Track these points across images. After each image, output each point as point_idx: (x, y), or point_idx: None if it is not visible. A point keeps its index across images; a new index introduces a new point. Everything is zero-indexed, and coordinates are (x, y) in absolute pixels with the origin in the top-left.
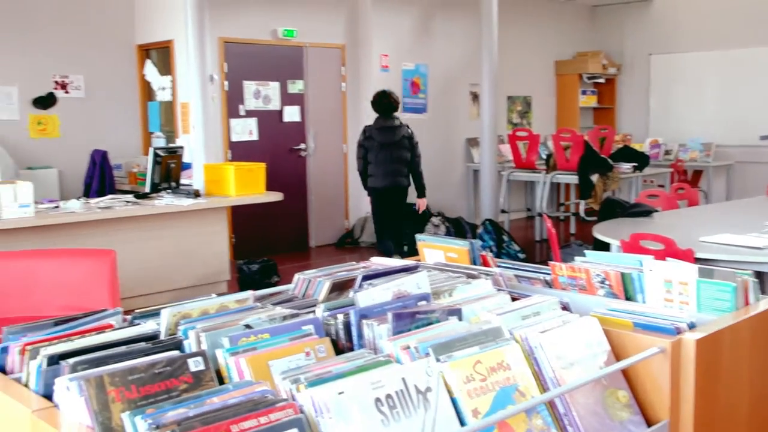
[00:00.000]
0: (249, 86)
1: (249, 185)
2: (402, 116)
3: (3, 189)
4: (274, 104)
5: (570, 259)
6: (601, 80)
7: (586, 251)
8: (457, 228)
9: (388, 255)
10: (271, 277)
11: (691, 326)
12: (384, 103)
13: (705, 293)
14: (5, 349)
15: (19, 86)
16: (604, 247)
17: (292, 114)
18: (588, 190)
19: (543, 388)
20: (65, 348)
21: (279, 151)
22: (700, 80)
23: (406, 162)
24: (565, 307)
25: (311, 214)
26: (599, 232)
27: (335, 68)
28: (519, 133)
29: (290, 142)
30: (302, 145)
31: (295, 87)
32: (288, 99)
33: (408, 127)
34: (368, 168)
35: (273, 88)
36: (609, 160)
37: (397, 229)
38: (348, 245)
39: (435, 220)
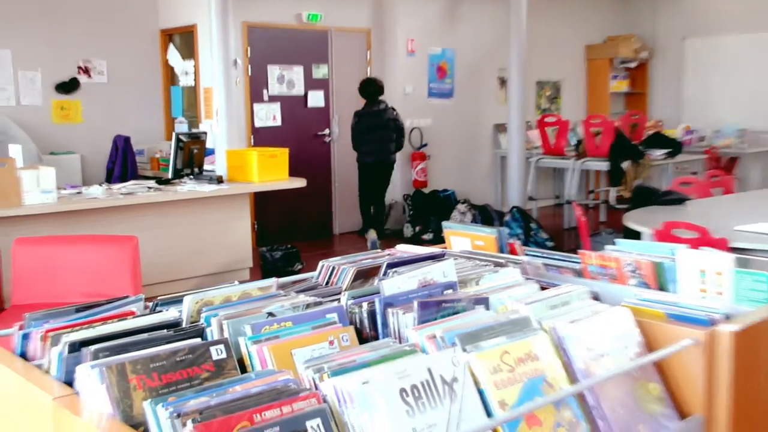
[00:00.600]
0: (273, 71)
1: (272, 171)
2: (428, 102)
3: (26, 174)
4: (298, 89)
5: (600, 248)
6: (633, 65)
7: (616, 240)
8: (484, 215)
9: (369, 223)
10: (294, 264)
11: (727, 317)
12: (370, 90)
13: (741, 283)
14: (27, 336)
15: (42, 71)
16: (635, 235)
17: (316, 99)
18: (619, 177)
19: (572, 379)
20: (87, 335)
21: (303, 136)
22: (735, 64)
23: (392, 140)
24: (596, 297)
25: (335, 201)
26: (630, 220)
27: (360, 52)
28: (548, 119)
29: (314, 128)
30: (326, 131)
31: (320, 71)
32: (312, 84)
33: (393, 109)
34: (361, 147)
35: (297, 73)
36: (640, 147)
37: (380, 201)
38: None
39: (461, 207)
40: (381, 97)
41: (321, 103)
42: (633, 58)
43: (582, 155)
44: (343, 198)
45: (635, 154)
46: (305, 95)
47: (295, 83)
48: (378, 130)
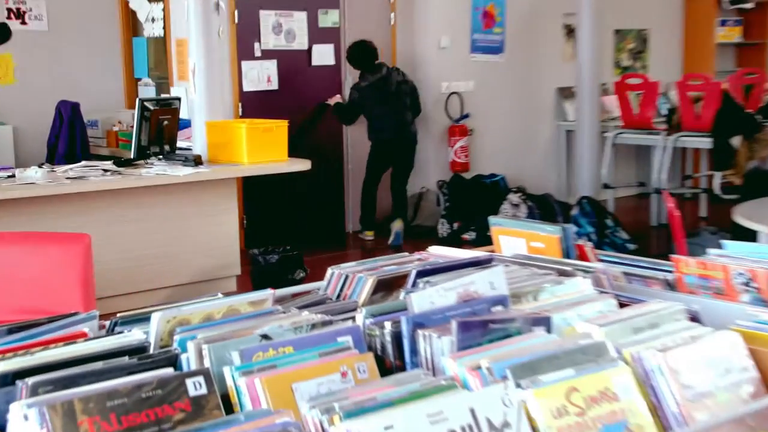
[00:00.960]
0: (267, 18)
1: (266, 150)
2: (470, 59)
3: None
4: (300, 42)
5: (700, 252)
6: (749, 5)
7: (722, 241)
8: (544, 208)
9: (371, 218)
10: (295, 271)
11: None
12: (364, 56)
13: None
14: None
15: None
16: (749, 235)
17: (323, 55)
18: (727, 157)
19: (663, 427)
20: (23, 363)
21: (307, 104)
22: None
23: (407, 107)
24: (694, 318)
25: (348, 190)
26: (742, 216)
27: None
28: (630, 81)
29: (321, 93)
30: (337, 98)
31: (328, 19)
32: (318, 35)
33: (398, 70)
34: (372, 123)
35: (299, 21)
36: (757, 117)
37: (403, 185)
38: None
39: (514, 197)
40: (377, 61)
41: (330, 60)
42: None
43: (676, 129)
44: (359, 185)
45: (749, 127)
46: (309, 50)
47: (296, 34)
48: (390, 101)
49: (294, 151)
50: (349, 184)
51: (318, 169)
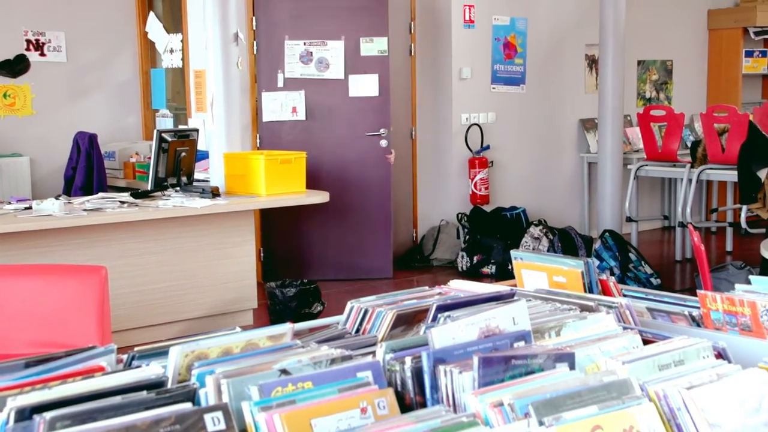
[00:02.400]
0: (294, 47)
1: (284, 182)
2: (491, 90)
3: None
4: (335, 71)
5: (727, 287)
6: None
7: (750, 277)
8: (566, 242)
9: None
10: (313, 305)
11: None
12: None
13: None
14: None
15: None
16: None
17: (364, 85)
18: (753, 190)
19: None
20: (40, 398)
21: (343, 135)
22: None
23: None
24: (721, 354)
25: (391, 223)
26: None
27: (402, 24)
28: (654, 112)
29: (361, 126)
30: (382, 131)
31: (374, 47)
32: (359, 64)
33: None
34: None
35: (333, 49)
36: None
37: None
38: (417, 264)
39: (535, 230)
40: None
41: (374, 92)
42: None
43: (701, 161)
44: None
45: None
46: (346, 79)
47: (330, 63)
48: None
49: None
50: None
51: (358, 202)
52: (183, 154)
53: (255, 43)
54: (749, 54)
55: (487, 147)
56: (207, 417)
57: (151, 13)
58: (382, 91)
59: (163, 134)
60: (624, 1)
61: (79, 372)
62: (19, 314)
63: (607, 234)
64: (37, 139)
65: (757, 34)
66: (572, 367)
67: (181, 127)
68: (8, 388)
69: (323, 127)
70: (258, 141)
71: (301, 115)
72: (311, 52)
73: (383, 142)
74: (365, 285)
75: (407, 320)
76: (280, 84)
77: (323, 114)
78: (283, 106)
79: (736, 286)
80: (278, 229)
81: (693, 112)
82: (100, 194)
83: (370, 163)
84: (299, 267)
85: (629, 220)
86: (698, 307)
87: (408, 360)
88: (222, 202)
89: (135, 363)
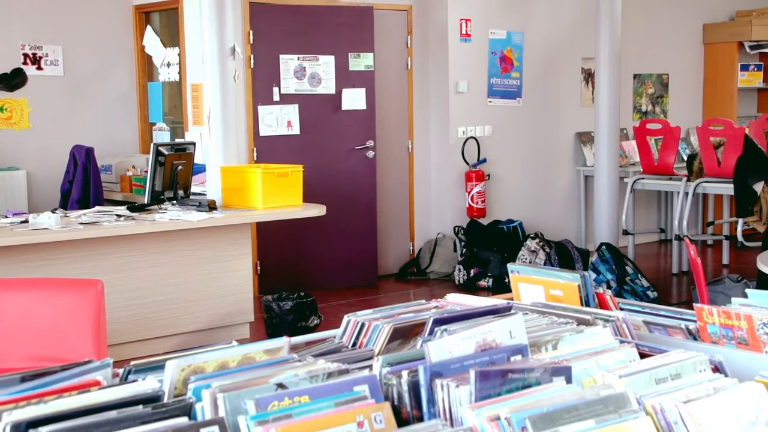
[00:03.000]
0: (288, 62)
1: (281, 195)
2: (487, 103)
3: None
4: (327, 86)
5: (723, 301)
6: None
7: (747, 290)
8: (562, 255)
9: None
10: (310, 318)
11: None
12: None
13: None
14: None
15: None
16: None
17: (354, 99)
18: (749, 203)
19: None
20: (36, 412)
21: (333, 150)
22: None
23: None
24: (718, 368)
25: (377, 235)
26: (766, 263)
27: (398, 38)
28: (650, 126)
29: (350, 139)
30: (369, 143)
31: (361, 62)
32: (349, 78)
33: None
34: None
35: (325, 64)
36: None
37: None
38: (413, 277)
39: (532, 243)
40: None
41: (361, 105)
42: None
43: (697, 175)
44: (388, 230)
45: None
46: (337, 94)
47: (322, 78)
48: None
49: None
50: (380, 230)
51: (344, 214)
52: (180, 167)
53: (252, 57)
54: (744, 68)
55: (484, 160)
56: (203, 431)
57: (148, 27)
58: (368, 104)
59: (159, 148)
60: (620, 15)
61: (75, 386)
62: (15, 328)
63: (603, 247)
64: (34, 152)
65: (752, 48)
66: (569, 380)
67: (178, 140)
68: (4, 402)
69: (316, 141)
70: (255, 154)
71: (295, 129)
72: (304, 67)
73: (370, 153)
74: (363, 298)
75: (404, 334)
76: (276, 98)
77: (316, 128)
78: (278, 120)
79: (733, 299)
80: (275, 242)
81: (689, 125)
82: (97, 208)
83: (359, 174)
84: (296, 280)
85: (626, 233)
86: (695, 321)
87: (405, 374)
88: (219, 216)
89: (131, 377)
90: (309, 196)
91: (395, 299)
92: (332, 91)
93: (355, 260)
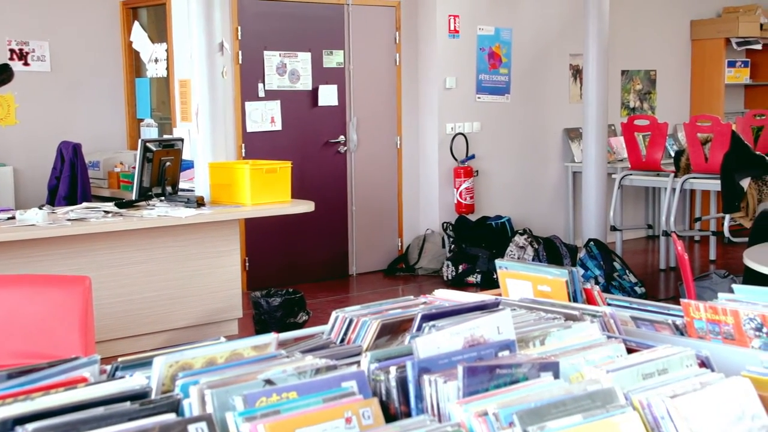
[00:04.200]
0: (271, 58)
1: (269, 191)
2: (476, 100)
3: None
4: (305, 82)
5: (710, 296)
6: (758, 47)
7: (733, 285)
8: (551, 251)
9: None
10: (298, 314)
11: None
12: None
13: None
14: None
15: None
16: (760, 279)
17: (328, 96)
18: (736, 199)
19: None
20: (22, 409)
21: (311, 145)
22: None
23: None
24: (704, 363)
25: (353, 231)
26: (752, 259)
27: (387, 34)
28: (638, 122)
29: (325, 134)
30: (341, 138)
31: (333, 59)
32: (323, 75)
33: None
34: None
35: (303, 61)
36: (767, 159)
37: None
38: (401, 273)
39: (520, 239)
40: None
41: (334, 101)
42: (758, 38)
43: (685, 170)
44: (364, 227)
45: (759, 168)
46: (314, 90)
47: (300, 75)
48: None
49: None
50: (355, 227)
51: (321, 210)
52: (168, 163)
53: (239, 53)
54: (731, 64)
55: (472, 156)
56: (191, 428)
57: (136, 23)
58: (340, 101)
59: (147, 144)
60: (608, 11)
61: (62, 383)
62: (2, 325)
63: (591, 243)
64: (21, 148)
65: (739, 44)
66: (557, 376)
67: (165, 136)
68: None
69: (296, 137)
70: (243, 150)
71: (278, 125)
72: (285, 64)
73: (342, 149)
74: (350, 294)
75: (392, 330)
76: (261, 94)
77: (295, 124)
78: (263, 116)
79: (720, 294)
80: (264, 239)
81: (676, 121)
82: (85, 204)
83: (335, 169)
84: (285, 276)
85: (614, 229)
86: (682, 316)
87: (393, 370)
88: (207, 212)
89: (118, 374)
90: (293, 192)
91: (383, 295)
92: (309, 87)
93: (330, 255)
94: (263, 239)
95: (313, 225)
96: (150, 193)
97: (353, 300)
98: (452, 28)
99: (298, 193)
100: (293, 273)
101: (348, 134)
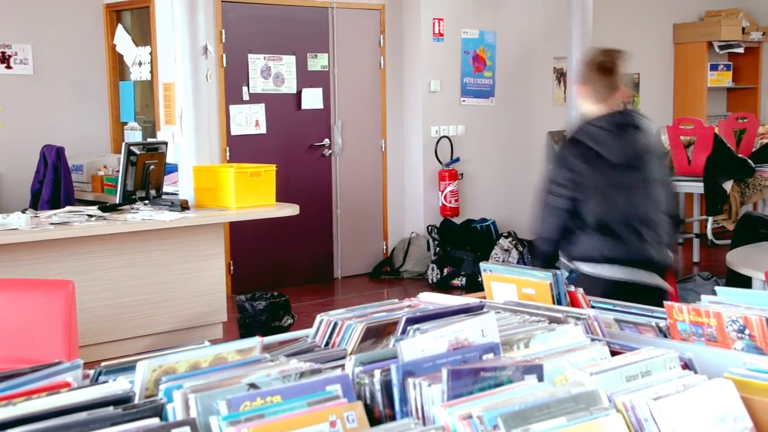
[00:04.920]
0: (256, 61)
1: (254, 194)
2: (460, 103)
3: None
4: (289, 86)
5: (694, 299)
6: (740, 50)
7: (716, 288)
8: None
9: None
10: (283, 318)
11: None
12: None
13: None
14: None
15: None
16: (742, 281)
17: (312, 99)
18: (718, 202)
19: None
20: (5, 414)
21: (295, 148)
22: None
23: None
24: (687, 365)
25: (337, 235)
26: (735, 261)
27: (371, 37)
28: None
29: (309, 137)
30: (326, 141)
31: (318, 63)
32: (308, 78)
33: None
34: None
35: (288, 64)
36: (749, 161)
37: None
38: (386, 276)
39: (504, 242)
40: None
41: (318, 104)
42: (740, 41)
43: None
44: (349, 230)
45: (742, 171)
46: (298, 93)
47: (285, 78)
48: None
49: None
50: (339, 230)
51: (306, 214)
52: (152, 167)
53: (224, 56)
54: (714, 67)
55: (457, 159)
56: None
57: (120, 26)
58: (325, 104)
59: (131, 147)
60: (591, 15)
61: (45, 388)
62: None
63: None
64: (4, 152)
65: (721, 48)
66: (541, 378)
67: (149, 140)
68: None
69: (280, 140)
70: (228, 154)
71: (262, 128)
72: (270, 67)
73: (327, 152)
74: (335, 298)
75: (377, 333)
76: (246, 97)
77: (280, 127)
78: (248, 120)
79: (703, 297)
80: (248, 242)
81: (659, 124)
82: (68, 208)
83: (319, 172)
84: (269, 279)
85: None
86: (665, 318)
87: (377, 373)
88: (191, 216)
89: (102, 378)
90: (277, 195)
91: (368, 298)
92: (294, 90)
93: (315, 258)
94: (248, 243)
95: (297, 228)
96: (134, 197)
97: (338, 303)
98: (437, 31)
99: (283, 196)
100: (278, 276)
101: (333, 137)
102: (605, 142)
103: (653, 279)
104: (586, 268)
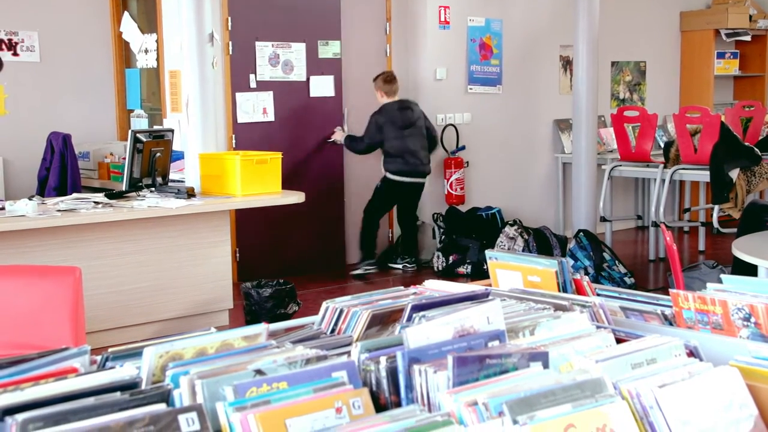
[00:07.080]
0: (263, 49)
1: (260, 182)
2: (467, 91)
3: None
4: (299, 73)
5: (699, 287)
6: (747, 38)
7: (722, 276)
8: (541, 241)
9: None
10: (289, 305)
11: None
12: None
13: None
14: None
15: None
16: (748, 269)
17: (323, 86)
18: (725, 190)
19: None
20: (12, 399)
21: (305, 136)
22: None
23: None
24: (693, 353)
25: (345, 222)
26: (741, 249)
27: (377, 25)
28: (628, 113)
29: (320, 124)
30: (338, 133)
31: (329, 50)
32: (318, 66)
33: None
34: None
35: (297, 52)
36: (756, 150)
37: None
38: (392, 264)
39: (510, 230)
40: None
41: (330, 92)
42: (747, 29)
43: (674, 162)
44: (356, 218)
45: (748, 160)
46: (307, 81)
47: (295, 65)
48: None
49: None
50: (347, 218)
51: (314, 201)
52: (158, 154)
53: (230, 43)
54: (721, 55)
55: (463, 147)
56: (181, 418)
57: (126, 13)
58: (336, 92)
59: (137, 134)
60: (598, 3)
61: (52, 373)
62: None
63: (581, 234)
64: (10, 139)
65: (728, 35)
66: (546, 366)
67: (156, 127)
68: None
69: (289, 128)
70: (234, 141)
71: (270, 116)
72: (278, 54)
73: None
74: (341, 285)
75: (382, 320)
76: (253, 85)
77: (289, 115)
78: (255, 107)
79: (708, 285)
80: (254, 229)
81: (666, 112)
82: (74, 195)
83: (329, 160)
84: (275, 266)
85: (603, 219)
86: (671, 306)
87: (383, 360)
88: (197, 203)
89: (109, 364)
90: (284, 183)
91: (375, 285)
92: (303, 78)
93: (325, 246)
94: (254, 230)
95: (305, 216)
96: (140, 184)
97: (344, 290)
98: (443, 19)
99: (292, 184)
100: (284, 264)
101: (343, 126)
102: (394, 114)
103: (422, 180)
104: (392, 176)
